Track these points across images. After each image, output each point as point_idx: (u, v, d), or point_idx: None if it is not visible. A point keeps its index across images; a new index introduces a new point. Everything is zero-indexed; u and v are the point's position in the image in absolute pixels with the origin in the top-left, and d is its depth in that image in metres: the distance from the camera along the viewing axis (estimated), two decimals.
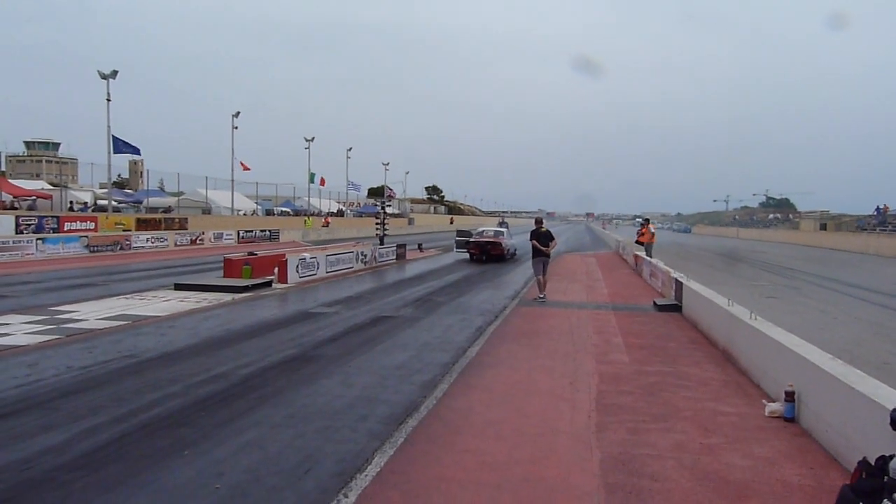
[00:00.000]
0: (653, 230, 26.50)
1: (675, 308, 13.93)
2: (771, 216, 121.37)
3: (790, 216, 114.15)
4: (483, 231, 31.07)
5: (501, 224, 37.61)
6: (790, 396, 6.43)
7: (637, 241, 28.26)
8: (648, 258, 21.97)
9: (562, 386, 7.82)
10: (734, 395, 7.47)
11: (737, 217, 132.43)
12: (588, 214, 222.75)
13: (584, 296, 16.80)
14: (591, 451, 5.65)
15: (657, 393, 7.54)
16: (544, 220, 17.10)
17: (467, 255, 28.57)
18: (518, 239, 32.84)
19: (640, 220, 36.55)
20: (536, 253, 15.92)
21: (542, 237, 15.92)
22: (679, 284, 14.14)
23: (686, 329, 11.93)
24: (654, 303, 14.92)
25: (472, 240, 29.12)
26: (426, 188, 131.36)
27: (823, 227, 77.35)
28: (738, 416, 6.70)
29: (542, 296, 15.60)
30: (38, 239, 26.59)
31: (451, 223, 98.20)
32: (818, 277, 27.91)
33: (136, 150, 36.33)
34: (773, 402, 6.84)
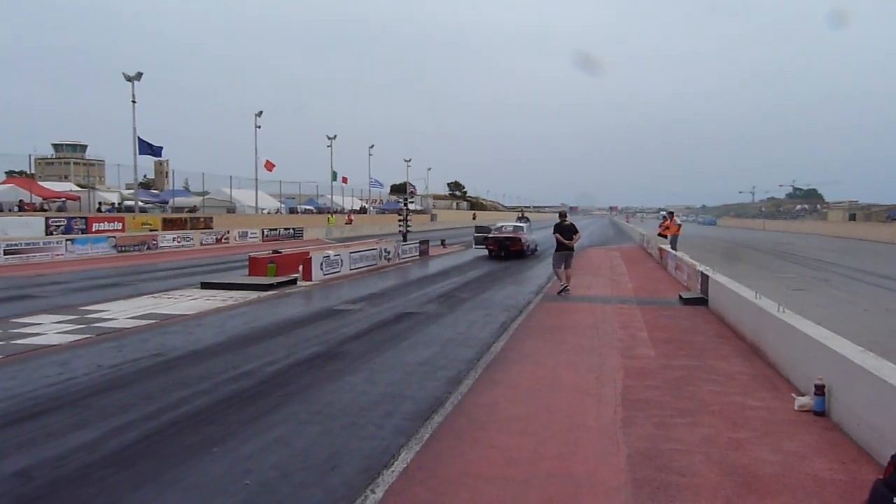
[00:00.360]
0: (678, 222, 26.29)
1: (701, 301, 13.80)
2: (798, 207, 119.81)
3: (818, 207, 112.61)
4: (502, 227, 29.89)
5: (521, 219, 36.00)
6: (820, 390, 6.34)
7: (660, 234, 28.05)
8: (673, 251, 21.78)
9: (587, 381, 7.78)
10: (762, 389, 7.39)
11: (763, 208, 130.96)
12: (611, 208, 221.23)
13: (609, 290, 16.71)
14: (618, 446, 5.62)
15: (684, 387, 7.48)
16: (568, 214, 17.03)
17: (486, 252, 27.78)
18: (541, 234, 32.62)
19: (664, 212, 36.18)
20: (560, 247, 15.89)
21: (565, 231, 15.87)
22: (705, 277, 14.00)
23: (712, 322, 11.81)
24: (680, 296, 14.79)
25: (490, 236, 28.05)
26: (448, 184, 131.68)
27: (853, 218, 76.14)
28: (766, 410, 6.63)
29: (566, 286, 15.62)
30: (67, 240, 27.01)
31: (474, 219, 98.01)
32: (848, 269, 27.45)
33: (158, 151, 36.78)
34: (803, 395, 6.75)
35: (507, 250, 26.66)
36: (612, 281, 18.95)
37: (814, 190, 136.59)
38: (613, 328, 11.27)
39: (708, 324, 11.70)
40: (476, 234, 31.77)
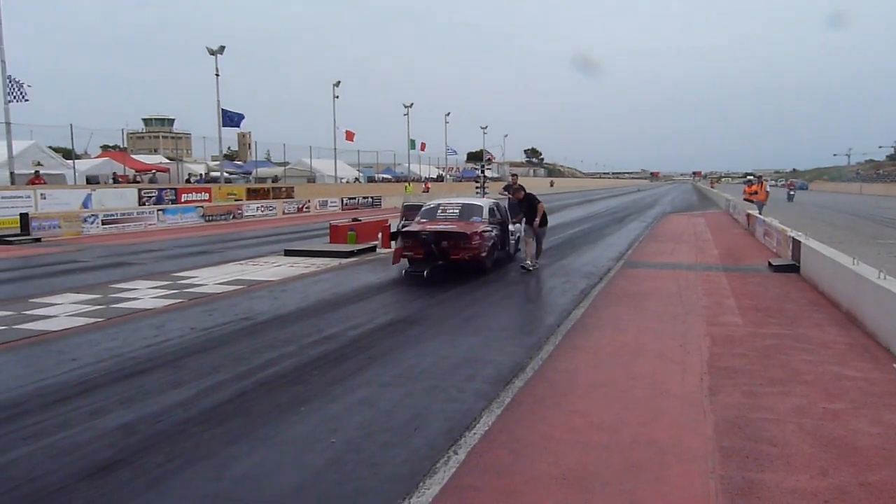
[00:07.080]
0: (767, 189, 25.35)
1: (793, 268, 13.22)
2: None
3: None
4: (439, 207, 14.44)
5: (508, 188, 17.75)
6: None
7: (746, 199, 27.13)
8: (762, 217, 20.95)
9: (671, 348, 7.60)
10: (860, 359, 7.04)
11: (860, 172, 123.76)
12: (694, 173, 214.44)
13: (693, 257, 16.22)
14: (705, 414, 5.48)
15: (774, 356, 7.21)
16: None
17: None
18: (573, 214, 28.70)
19: (752, 177, 34.81)
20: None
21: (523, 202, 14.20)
22: (797, 243, 13.39)
23: (805, 290, 11.30)
24: (769, 263, 14.21)
25: (409, 229, 13.28)
26: (525, 151, 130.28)
27: None
28: (865, 380, 6.31)
29: (534, 264, 13.80)
30: (158, 210, 28.22)
31: (552, 185, 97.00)
32: None
33: (239, 121, 37.78)
34: None
35: (444, 257, 12.85)
36: (696, 248, 18.38)
37: None
38: (698, 295, 10.95)
39: (800, 291, 11.21)
40: (399, 226, 15.33)
